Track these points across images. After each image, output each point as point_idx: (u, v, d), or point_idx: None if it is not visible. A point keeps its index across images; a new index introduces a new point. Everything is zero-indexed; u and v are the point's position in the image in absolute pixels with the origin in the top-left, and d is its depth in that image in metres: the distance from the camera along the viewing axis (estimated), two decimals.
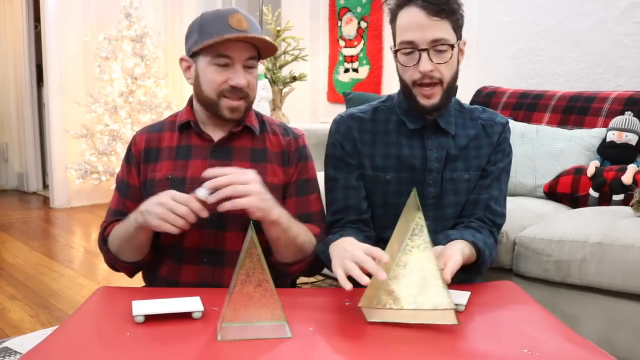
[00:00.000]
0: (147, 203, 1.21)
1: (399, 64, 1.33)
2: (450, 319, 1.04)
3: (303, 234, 1.33)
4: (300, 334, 1.02)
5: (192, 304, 1.11)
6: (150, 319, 1.06)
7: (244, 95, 1.34)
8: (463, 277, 1.22)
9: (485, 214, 1.39)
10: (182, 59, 1.39)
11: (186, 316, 1.08)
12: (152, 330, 1.03)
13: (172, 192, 1.19)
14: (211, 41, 1.28)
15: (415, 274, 1.04)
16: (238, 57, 1.31)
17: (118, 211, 1.42)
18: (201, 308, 1.09)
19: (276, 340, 1.00)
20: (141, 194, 1.39)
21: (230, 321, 1.02)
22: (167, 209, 1.16)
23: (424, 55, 1.28)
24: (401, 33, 1.30)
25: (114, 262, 1.40)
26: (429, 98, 1.32)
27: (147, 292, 1.32)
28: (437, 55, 1.28)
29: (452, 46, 1.28)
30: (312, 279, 2.74)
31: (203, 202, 1.18)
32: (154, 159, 1.40)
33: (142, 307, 1.08)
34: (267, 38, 1.34)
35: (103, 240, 1.40)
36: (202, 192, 1.18)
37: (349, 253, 1.10)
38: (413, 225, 1.03)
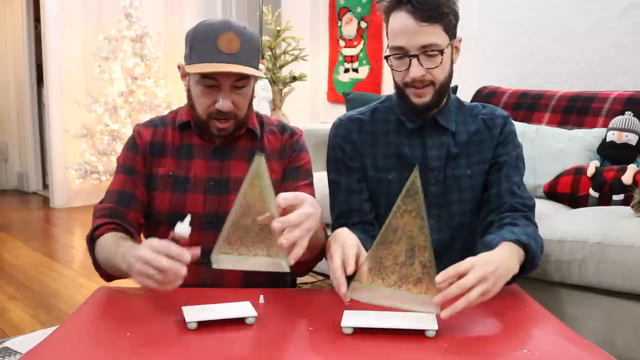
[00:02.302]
0: (129, 254, 1.08)
1: (391, 67, 1.33)
2: (430, 308, 1.01)
3: (319, 233, 1.25)
4: (300, 334, 1.02)
5: (244, 309, 1.06)
6: (201, 325, 1.02)
7: (232, 116, 1.33)
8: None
9: (515, 200, 1.36)
10: (179, 66, 1.38)
11: (239, 322, 1.04)
12: (151, 330, 1.03)
13: (152, 243, 1.02)
14: (198, 69, 1.27)
15: (404, 242, 1.01)
16: (225, 80, 1.29)
17: (123, 192, 1.38)
18: (255, 313, 1.04)
19: (276, 340, 1.00)
20: (146, 184, 1.38)
21: (226, 253, 1.00)
22: (145, 263, 1.00)
23: (414, 61, 1.27)
24: (392, 38, 1.30)
25: (97, 268, 1.35)
26: (420, 97, 1.32)
27: (147, 292, 1.32)
28: (427, 60, 1.27)
29: (442, 51, 1.27)
30: (312, 279, 2.74)
31: (183, 241, 1.03)
32: (158, 153, 1.40)
33: (194, 314, 1.03)
34: (256, 72, 1.28)
35: (91, 240, 1.33)
36: (180, 227, 1.05)
37: (330, 251, 1.11)
38: (408, 186, 0.98)
